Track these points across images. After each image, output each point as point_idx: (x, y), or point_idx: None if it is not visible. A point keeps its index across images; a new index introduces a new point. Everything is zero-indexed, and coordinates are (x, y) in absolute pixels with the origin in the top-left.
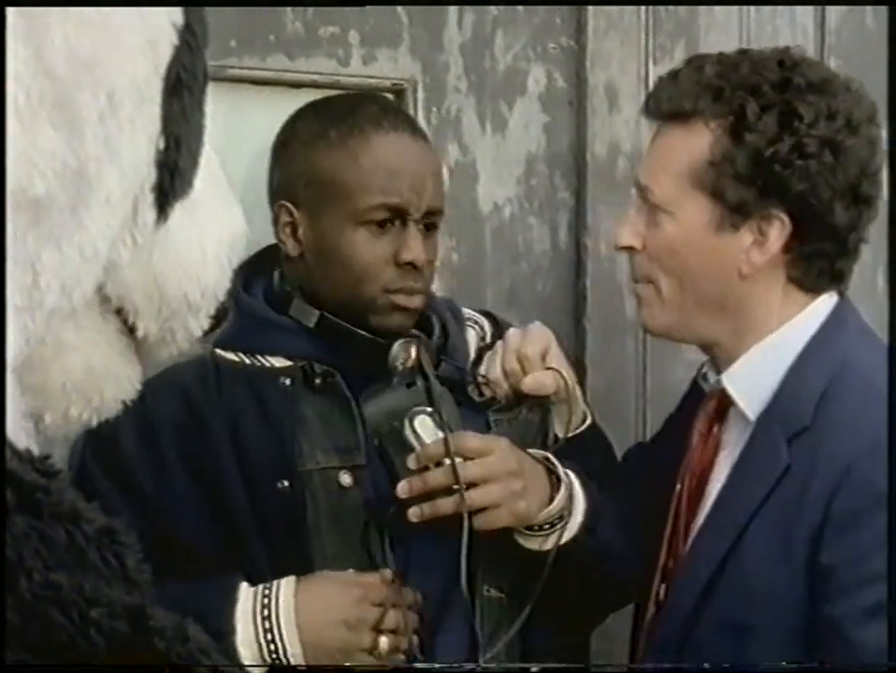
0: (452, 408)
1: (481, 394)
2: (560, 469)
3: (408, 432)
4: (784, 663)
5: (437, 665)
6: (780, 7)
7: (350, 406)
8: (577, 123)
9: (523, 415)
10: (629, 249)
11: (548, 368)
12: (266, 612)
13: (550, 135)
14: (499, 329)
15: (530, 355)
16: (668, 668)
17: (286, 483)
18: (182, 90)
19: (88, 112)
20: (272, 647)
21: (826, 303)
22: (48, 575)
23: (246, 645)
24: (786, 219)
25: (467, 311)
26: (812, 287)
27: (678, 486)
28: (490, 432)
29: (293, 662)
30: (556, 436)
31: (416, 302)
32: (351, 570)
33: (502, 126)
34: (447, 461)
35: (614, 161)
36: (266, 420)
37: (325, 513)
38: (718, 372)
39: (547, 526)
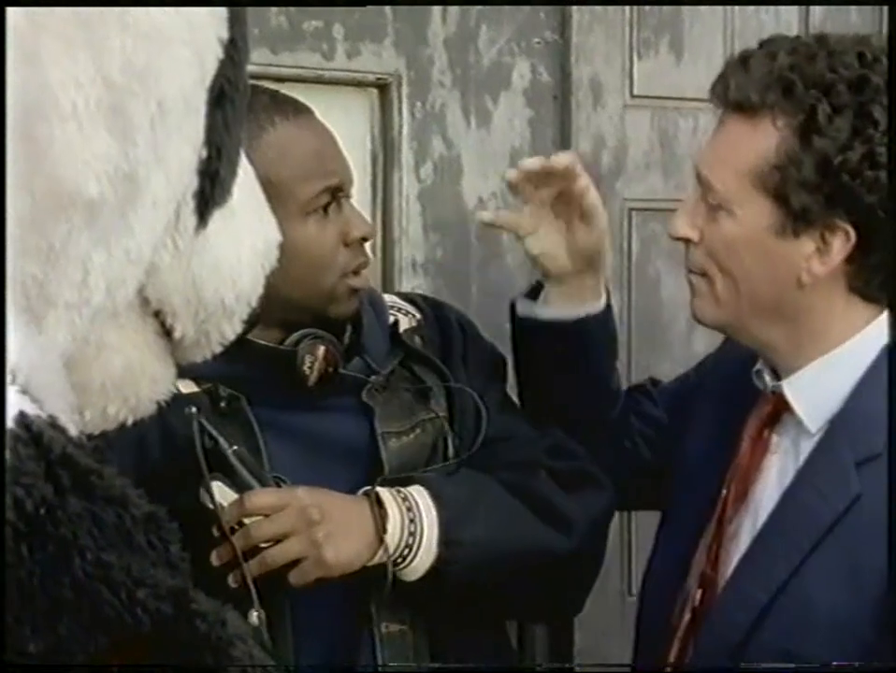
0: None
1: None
2: (387, 499)
3: (208, 503)
4: (793, 665)
5: (433, 666)
6: None
7: (254, 431)
8: (561, 118)
9: (415, 435)
10: (685, 239)
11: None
12: None
13: (534, 129)
14: (439, 311)
15: None
16: (665, 670)
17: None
18: (225, 101)
19: (139, 119)
20: None
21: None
22: (99, 554)
23: None
24: (851, 230)
25: (389, 298)
26: (874, 298)
27: (724, 491)
28: (380, 450)
29: None
30: (456, 453)
31: (364, 281)
32: None
33: (487, 121)
34: (245, 521)
35: (598, 155)
36: (173, 452)
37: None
38: (776, 375)
39: (400, 560)
